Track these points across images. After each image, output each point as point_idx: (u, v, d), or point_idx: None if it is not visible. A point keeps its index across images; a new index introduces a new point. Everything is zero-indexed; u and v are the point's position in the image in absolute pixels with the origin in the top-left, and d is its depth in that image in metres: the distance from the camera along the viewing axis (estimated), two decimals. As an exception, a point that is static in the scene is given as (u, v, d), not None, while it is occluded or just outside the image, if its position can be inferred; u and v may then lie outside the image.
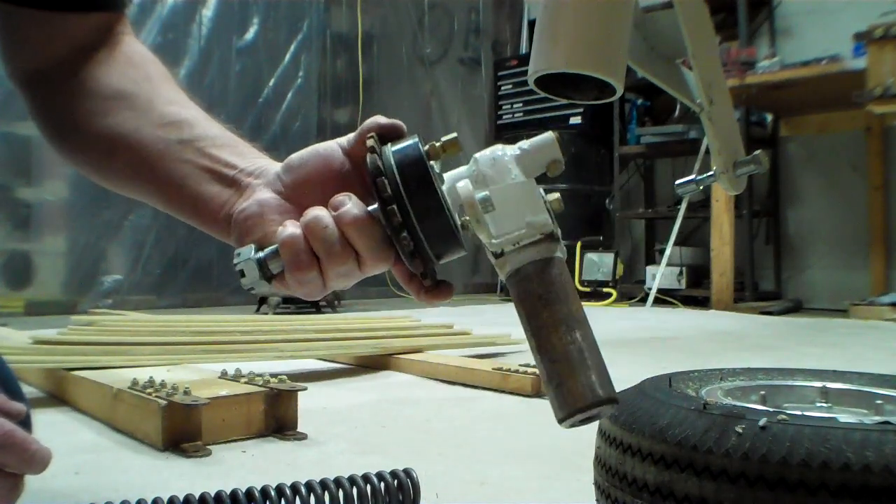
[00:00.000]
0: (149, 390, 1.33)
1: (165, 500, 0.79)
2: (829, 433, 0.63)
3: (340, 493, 0.83)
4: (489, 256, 0.64)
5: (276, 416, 1.37)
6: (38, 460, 0.58)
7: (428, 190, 0.61)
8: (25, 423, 0.67)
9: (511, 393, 1.75)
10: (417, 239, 0.62)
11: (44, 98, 0.87)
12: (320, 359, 2.19)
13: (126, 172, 0.82)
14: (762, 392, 0.86)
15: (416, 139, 0.64)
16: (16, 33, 0.84)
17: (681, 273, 4.74)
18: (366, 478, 0.85)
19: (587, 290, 5.08)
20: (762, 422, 0.65)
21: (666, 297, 4.70)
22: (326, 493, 0.83)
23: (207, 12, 4.71)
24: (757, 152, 1.38)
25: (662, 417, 0.71)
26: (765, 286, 4.92)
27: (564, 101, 1.22)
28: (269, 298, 4.07)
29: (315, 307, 4.23)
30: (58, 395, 1.69)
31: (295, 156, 0.73)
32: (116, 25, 0.88)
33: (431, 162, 0.63)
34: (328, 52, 5.43)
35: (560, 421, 0.59)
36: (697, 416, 0.69)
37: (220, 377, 1.49)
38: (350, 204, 0.65)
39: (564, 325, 0.60)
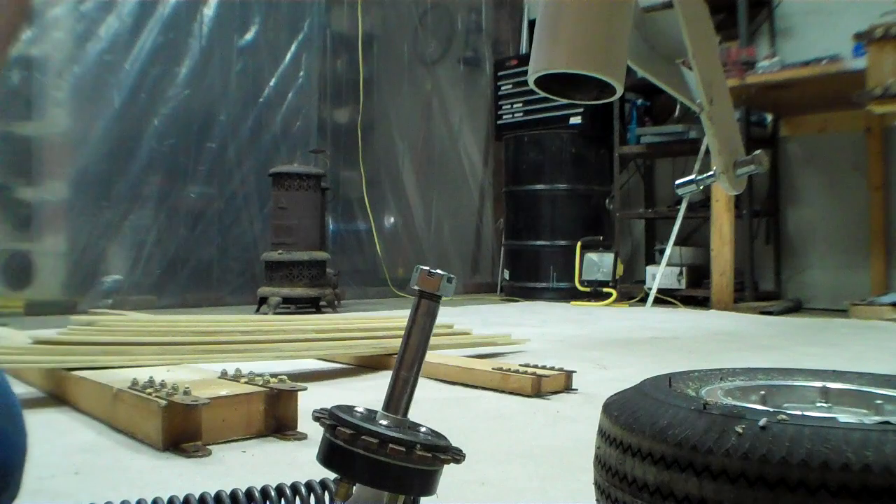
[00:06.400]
0: (149, 390, 1.33)
1: (165, 500, 0.79)
2: (829, 433, 0.63)
3: (340, 493, 0.83)
4: None
5: (276, 416, 1.37)
6: None
7: None
8: (17, 423, 0.67)
9: (511, 393, 1.76)
10: None
11: None
12: (320, 359, 2.19)
13: None
14: (762, 392, 0.86)
15: None
16: None
17: (681, 273, 4.74)
18: (366, 478, 0.85)
19: (587, 290, 5.08)
20: (762, 422, 0.65)
21: (666, 297, 4.70)
22: (326, 493, 0.83)
23: (209, 12, 4.71)
24: (757, 152, 1.38)
25: (662, 417, 0.71)
26: (765, 286, 4.92)
27: (564, 101, 1.22)
28: (269, 298, 4.07)
29: (315, 307, 4.23)
30: (58, 395, 1.69)
31: None
32: None
33: None
34: (329, 52, 5.43)
35: None
36: (697, 416, 0.69)
37: (220, 377, 1.49)
38: None
39: None
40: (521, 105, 5.61)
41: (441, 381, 1.93)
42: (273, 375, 1.44)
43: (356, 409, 0.71)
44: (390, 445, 0.63)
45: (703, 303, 4.54)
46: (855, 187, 4.70)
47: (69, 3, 4.20)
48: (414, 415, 0.71)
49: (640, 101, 5.31)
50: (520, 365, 1.84)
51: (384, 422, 0.69)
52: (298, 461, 1.21)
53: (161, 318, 2.52)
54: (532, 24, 6.33)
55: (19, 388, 1.83)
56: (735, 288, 4.37)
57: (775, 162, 4.92)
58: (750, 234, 4.64)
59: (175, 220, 4.60)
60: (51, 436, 1.37)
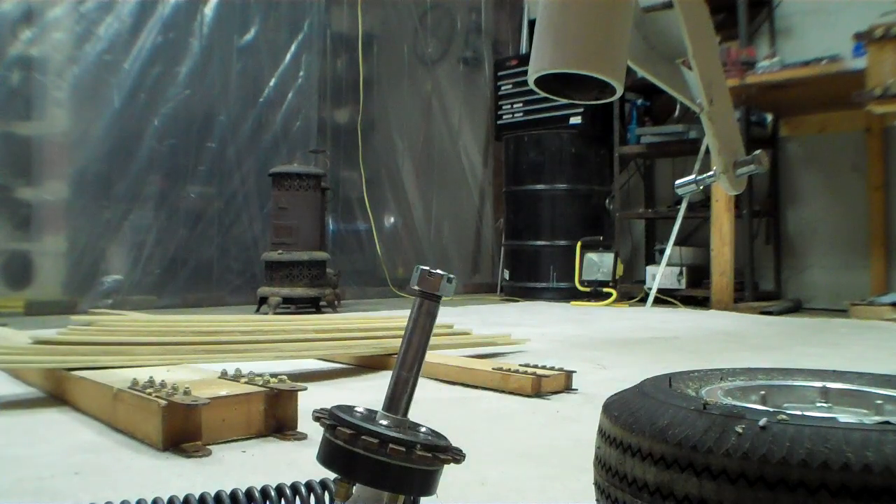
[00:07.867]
0: (149, 390, 1.33)
1: (165, 500, 0.79)
2: (829, 433, 0.63)
3: (340, 493, 0.83)
4: None
5: (276, 416, 1.37)
6: None
7: None
8: None
9: (511, 393, 1.76)
10: None
11: None
12: (320, 359, 2.19)
13: None
14: (762, 392, 0.86)
15: None
16: None
17: (681, 273, 4.74)
18: (366, 478, 0.85)
19: (587, 290, 5.08)
20: (762, 422, 0.65)
21: (666, 297, 4.70)
22: (326, 493, 0.83)
23: (209, 12, 4.72)
24: (757, 152, 1.38)
25: (662, 417, 0.71)
26: (765, 286, 4.92)
27: (564, 101, 1.22)
28: (270, 298, 4.07)
29: (315, 307, 4.23)
30: (58, 395, 1.69)
31: None
32: None
33: None
34: (329, 52, 5.43)
35: None
36: (697, 416, 0.69)
37: (220, 377, 1.49)
38: None
39: None
40: (521, 105, 5.62)
41: (441, 381, 1.93)
42: (273, 375, 1.44)
43: (356, 409, 0.71)
44: (390, 445, 0.63)
45: (703, 303, 4.54)
46: (855, 187, 4.70)
47: (69, 3, 4.20)
48: (414, 415, 0.71)
49: (640, 101, 5.31)
50: (520, 365, 1.84)
51: (384, 422, 0.69)
52: (298, 461, 1.21)
53: (161, 318, 2.52)
54: (532, 24, 6.33)
55: (19, 388, 1.83)
56: (735, 288, 4.37)
57: (775, 162, 4.92)
58: (750, 234, 4.64)
59: (175, 220, 4.60)
60: (51, 436, 1.37)
